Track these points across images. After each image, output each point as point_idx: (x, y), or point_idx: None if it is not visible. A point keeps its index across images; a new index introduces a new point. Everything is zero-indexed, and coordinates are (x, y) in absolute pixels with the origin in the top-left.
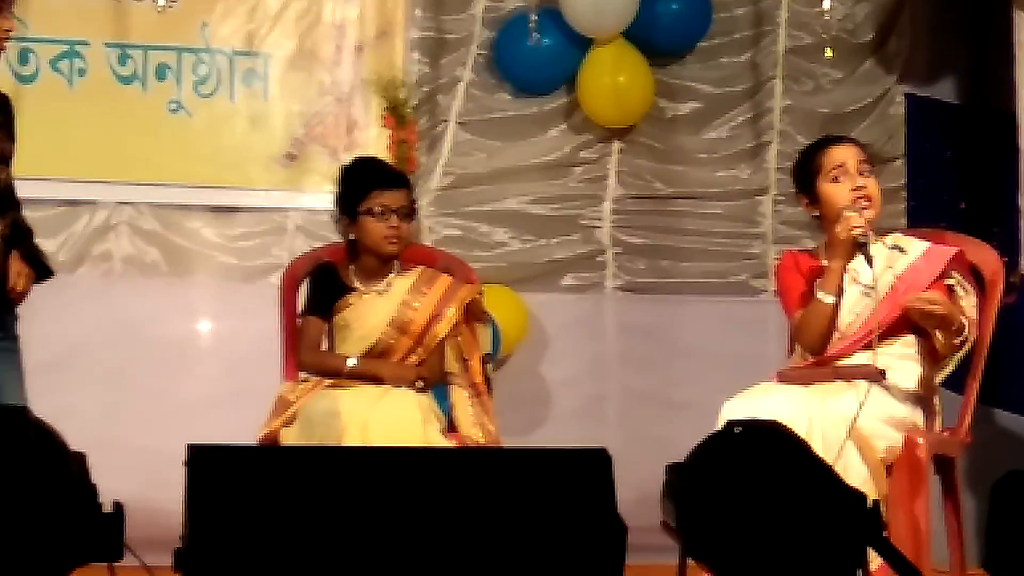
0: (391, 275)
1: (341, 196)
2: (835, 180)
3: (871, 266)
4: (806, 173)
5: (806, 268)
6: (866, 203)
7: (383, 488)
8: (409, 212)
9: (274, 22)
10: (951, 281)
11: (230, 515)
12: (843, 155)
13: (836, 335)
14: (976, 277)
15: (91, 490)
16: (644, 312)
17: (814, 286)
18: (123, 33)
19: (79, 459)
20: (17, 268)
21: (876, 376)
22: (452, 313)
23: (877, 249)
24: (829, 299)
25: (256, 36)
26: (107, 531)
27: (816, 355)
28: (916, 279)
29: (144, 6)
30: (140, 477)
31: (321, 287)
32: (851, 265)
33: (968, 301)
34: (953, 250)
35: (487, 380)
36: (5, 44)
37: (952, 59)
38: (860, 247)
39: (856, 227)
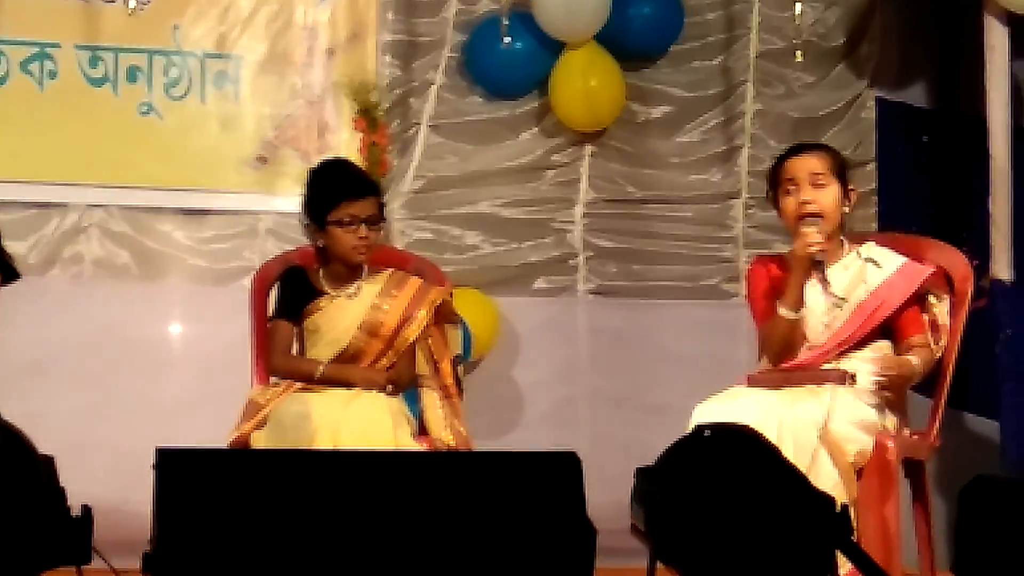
0: (361, 279)
1: (309, 203)
2: (787, 193)
3: (826, 290)
4: (771, 184)
5: (776, 275)
6: (812, 220)
7: (353, 491)
8: (377, 219)
9: (245, 25)
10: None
11: (199, 518)
12: (796, 167)
13: (806, 344)
14: (947, 281)
15: (59, 493)
16: (616, 316)
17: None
18: (94, 35)
19: (47, 462)
20: None
21: (845, 380)
22: (422, 316)
23: (850, 260)
24: (790, 315)
25: (227, 38)
26: (75, 534)
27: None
28: (890, 295)
29: (115, 8)
30: (112, 480)
31: (290, 291)
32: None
33: (940, 308)
34: (929, 269)
35: (458, 382)
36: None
37: (923, 63)
38: (815, 265)
39: (812, 244)
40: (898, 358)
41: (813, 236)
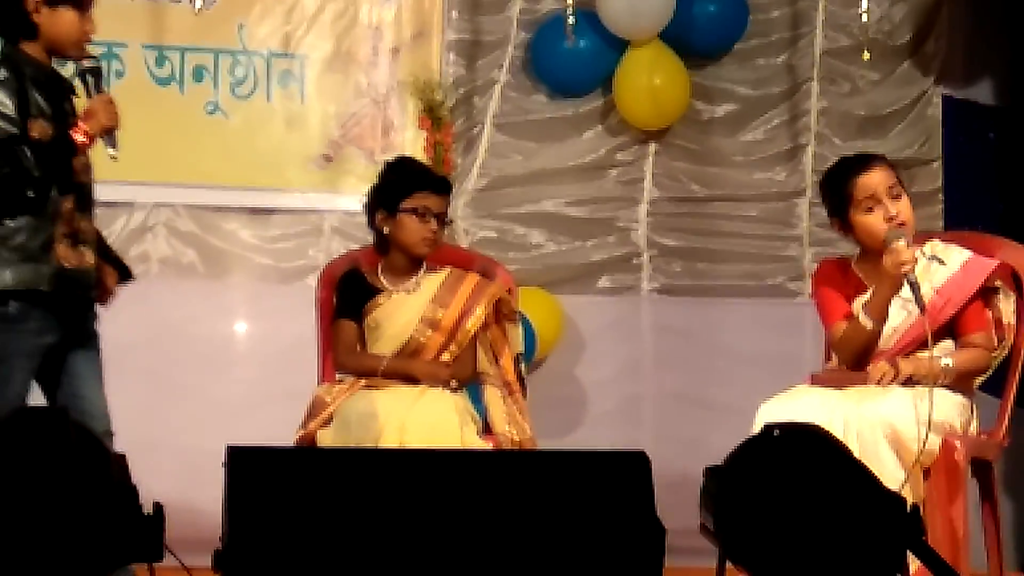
0: (419, 274)
1: (382, 189)
2: (869, 211)
3: (922, 310)
4: (838, 200)
5: (844, 278)
6: (901, 231)
7: (422, 490)
8: (446, 218)
9: (311, 23)
10: (993, 286)
11: (269, 516)
12: (873, 183)
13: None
14: (1014, 280)
15: (132, 491)
16: (680, 314)
17: (853, 299)
18: (160, 35)
19: (120, 460)
20: (107, 271)
21: (907, 380)
22: (481, 311)
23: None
24: (872, 326)
25: (293, 38)
26: (147, 532)
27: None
28: (955, 293)
29: (181, 8)
30: (178, 477)
31: (348, 293)
32: None
33: (1006, 306)
34: (994, 263)
35: (521, 379)
36: (87, 46)
37: (989, 60)
38: (911, 286)
39: (906, 263)
40: (915, 359)
41: (906, 254)
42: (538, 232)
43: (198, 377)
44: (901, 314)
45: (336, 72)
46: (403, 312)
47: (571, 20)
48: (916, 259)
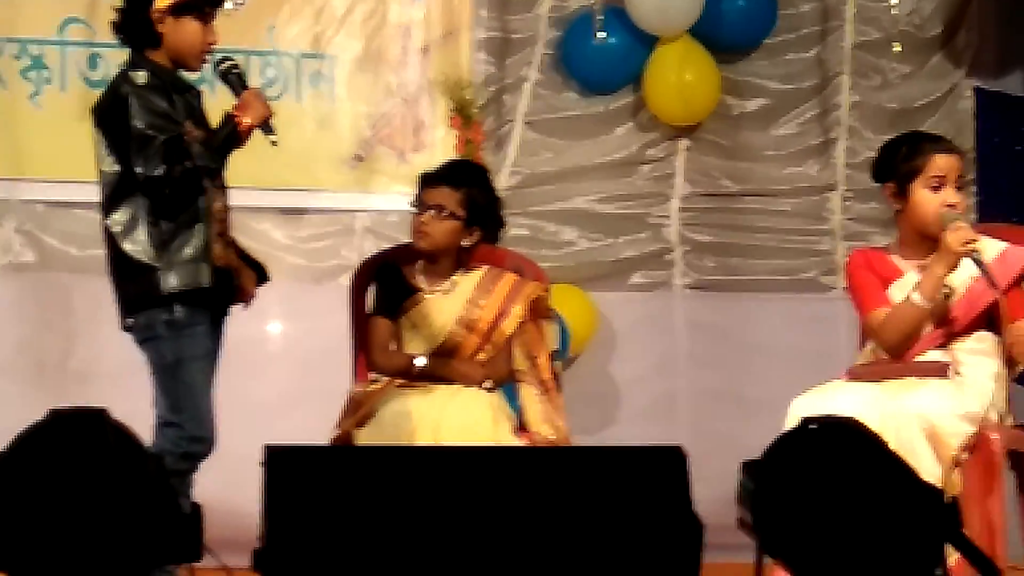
0: (456, 275)
1: None
2: (934, 188)
3: (996, 287)
4: (905, 168)
5: (879, 267)
6: (958, 213)
7: (458, 488)
8: (444, 211)
9: (340, 24)
10: None
11: (307, 515)
12: (948, 165)
13: None
14: None
15: (170, 491)
16: (713, 310)
17: (890, 287)
18: None
19: (157, 460)
20: (245, 272)
21: (947, 372)
22: (518, 310)
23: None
24: (924, 304)
25: (323, 38)
26: (186, 532)
27: (896, 356)
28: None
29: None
30: (215, 477)
31: (387, 289)
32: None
33: None
34: None
35: (556, 377)
36: (208, 57)
37: (1021, 52)
38: (978, 264)
39: (972, 240)
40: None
41: (970, 231)
42: (570, 229)
43: (233, 377)
44: (939, 299)
45: (366, 72)
46: (439, 313)
47: (599, 16)
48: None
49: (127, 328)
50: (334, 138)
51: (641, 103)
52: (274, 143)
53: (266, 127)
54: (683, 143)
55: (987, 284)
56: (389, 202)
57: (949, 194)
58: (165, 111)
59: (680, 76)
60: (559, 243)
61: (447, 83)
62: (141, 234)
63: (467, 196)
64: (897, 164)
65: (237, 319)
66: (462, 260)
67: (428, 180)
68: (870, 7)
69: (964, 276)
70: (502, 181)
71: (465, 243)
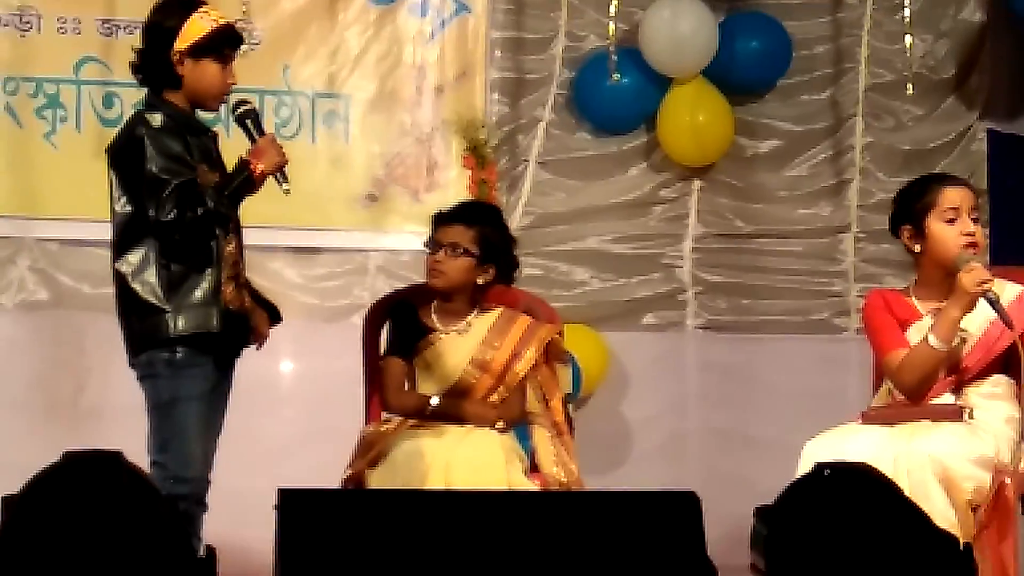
0: (470, 316)
1: None
2: (950, 221)
3: (1011, 327)
4: (918, 206)
5: (896, 308)
6: (974, 250)
7: (471, 532)
8: (459, 248)
9: (355, 64)
10: None
11: (321, 558)
12: (960, 197)
13: None
14: None
15: (184, 534)
16: (725, 351)
17: (907, 329)
18: None
19: (171, 502)
20: (259, 313)
21: (961, 415)
22: (531, 353)
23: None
24: (941, 346)
25: (337, 78)
26: (201, 574)
27: (915, 399)
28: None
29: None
30: (227, 517)
31: (402, 328)
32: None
33: None
34: None
35: (568, 420)
36: (227, 98)
37: None
38: (992, 304)
39: (986, 281)
40: None
41: (985, 272)
42: (583, 269)
43: (245, 417)
44: (956, 343)
45: (380, 112)
46: (453, 353)
47: (613, 57)
48: (993, 279)
49: (133, 366)
50: (348, 177)
51: (655, 144)
52: (287, 192)
53: (280, 175)
54: (696, 184)
55: (1003, 324)
56: (402, 242)
57: (965, 225)
58: (179, 154)
59: (694, 117)
60: (572, 283)
61: (461, 123)
62: (151, 275)
63: (480, 234)
64: (910, 205)
65: (249, 358)
66: (476, 299)
67: (441, 219)
68: (884, 49)
69: (980, 320)
70: (515, 221)
71: (480, 281)
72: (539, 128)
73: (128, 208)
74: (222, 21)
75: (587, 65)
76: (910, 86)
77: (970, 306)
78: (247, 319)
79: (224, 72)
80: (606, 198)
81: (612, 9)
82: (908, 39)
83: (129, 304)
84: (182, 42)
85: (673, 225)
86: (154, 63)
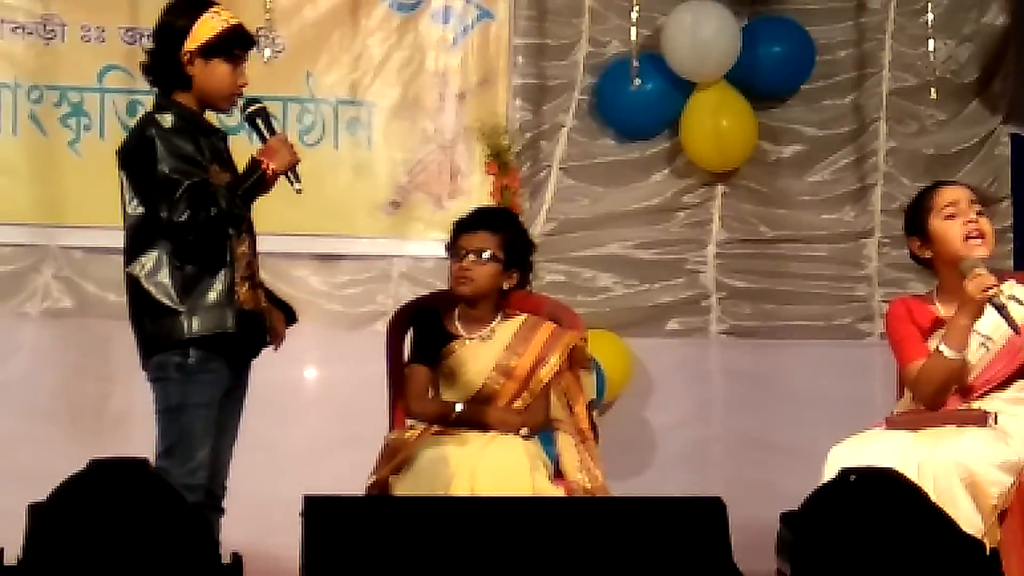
0: (494, 322)
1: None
2: (949, 217)
3: (1018, 332)
4: (918, 214)
5: (919, 316)
6: (979, 240)
7: (496, 539)
8: (486, 254)
9: (377, 71)
10: None
11: (347, 565)
12: (955, 194)
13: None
14: None
15: (211, 542)
16: (749, 356)
17: (931, 336)
18: None
19: (198, 510)
20: (275, 313)
21: (987, 421)
22: (555, 360)
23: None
24: (954, 355)
25: (360, 85)
26: None
27: (933, 408)
28: None
29: (250, 57)
30: (252, 525)
31: (426, 335)
32: None
33: None
34: None
35: (593, 426)
36: (237, 99)
37: None
38: (999, 309)
39: (990, 287)
40: None
41: (990, 277)
42: (606, 275)
43: (269, 424)
44: (980, 351)
45: (403, 119)
46: (477, 360)
47: (635, 63)
48: (999, 283)
49: (145, 368)
50: (371, 184)
51: (678, 149)
52: (299, 191)
53: (292, 174)
54: (719, 189)
55: (1011, 329)
56: (425, 248)
57: (966, 215)
58: (191, 155)
59: (717, 122)
60: (595, 289)
61: (483, 129)
62: (165, 277)
63: (505, 239)
64: (911, 216)
65: (273, 364)
66: (500, 305)
67: (465, 226)
68: (907, 54)
69: (1004, 328)
70: (538, 227)
71: (505, 286)
72: (562, 134)
73: (140, 210)
74: (233, 21)
75: (609, 71)
76: (933, 90)
77: (978, 313)
78: (263, 319)
79: (235, 73)
80: (629, 204)
81: (634, 15)
82: (931, 43)
83: (142, 306)
84: (192, 42)
85: (696, 230)
86: (164, 64)
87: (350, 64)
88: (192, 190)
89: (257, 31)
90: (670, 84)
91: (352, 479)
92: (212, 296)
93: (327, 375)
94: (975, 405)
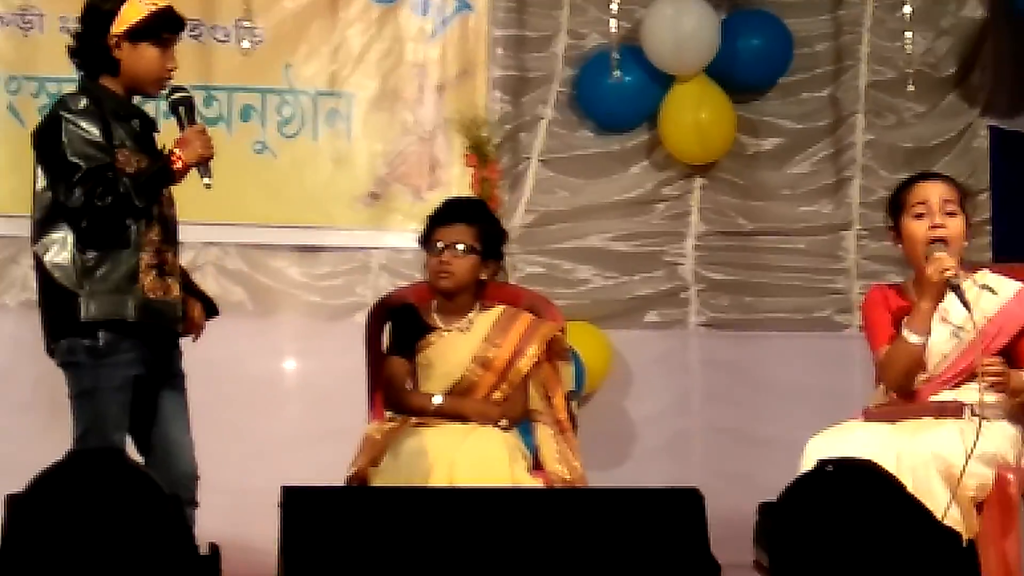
0: (472, 313)
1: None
2: (917, 217)
3: (969, 310)
4: (894, 207)
5: (894, 304)
6: (942, 245)
7: (474, 529)
8: (465, 246)
9: (356, 63)
10: None
11: (324, 555)
12: (927, 193)
13: (923, 376)
14: None
15: (188, 532)
16: (728, 348)
17: (902, 324)
18: (208, 75)
19: (174, 501)
20: (193, 303)
21: (963, 412)
22: (533, 350)
23: (966, 288)
24: (916, 339)
25: (339, 77)
26: (204, 572)
27: (900, 394)
28: (1007, 322)
29: (228, 48)
30: (230, 516)
31: (403, 327)
32: (943, 304)
33: None
34: None
35: (572, 417)
36: (167, 84)
37: None
38: (954, 289)
39: (948, 269)
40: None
41: (948, 261)
42: (585, 267)
43: (248, 415)
44: (952, 341)
45: (382, 110)
46: (455, 351)
47: (615, 55)
48: (958, 266)
49: (50, 353)
50: (350, 176)
51: (657, 142)
52: (208, 186)
53: (203, 168)
54: (698, 181)
55: (1000, 321)
56: (405, 240)
57: (932, 219)
58: (95, 139)
59: (696, 115)
60: (574, 281)
61: (463, 121)
62: (66, 259)
63: (481, 230)
64: (891, 207)
65: (252, 356)
66: (478, 296)
67: (440, 219)
68: (884, 47)
69: (978, 317)
70: (517, 219)
71: (483, 277)
72: (541, 126)
73: (49, 192)
74: (161, 4)
75: (589, 63)
76: (911, 83)
77: (939, 296)
78: (172, 309)
79: (163, 56)
80: (608, 196)
81: (614, 7)
82: (909, 36)
83: (47, 288)
84: (119, 26)
85: (675, 223)
86: (91, 48)
87: (329, 55)
88: (90, 175)
89: (236, 22)
90: (649, 77)
91: (331, 470)
92: (111, 281)
93: (306, 366)
94: (951, 396)
